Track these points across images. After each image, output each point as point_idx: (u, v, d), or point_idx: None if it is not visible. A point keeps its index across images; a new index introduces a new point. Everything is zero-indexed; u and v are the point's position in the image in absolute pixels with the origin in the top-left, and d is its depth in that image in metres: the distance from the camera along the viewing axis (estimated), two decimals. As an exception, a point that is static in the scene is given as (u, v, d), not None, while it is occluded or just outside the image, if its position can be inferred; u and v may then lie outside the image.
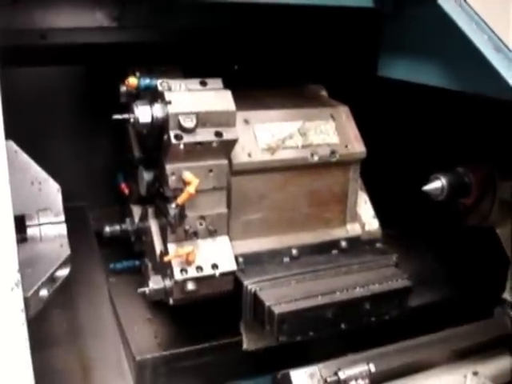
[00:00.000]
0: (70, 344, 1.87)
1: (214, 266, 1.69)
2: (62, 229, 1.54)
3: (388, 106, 1.99)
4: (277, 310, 1.62)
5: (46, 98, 2.34)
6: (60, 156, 2.39)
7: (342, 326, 1.73)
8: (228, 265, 1.71)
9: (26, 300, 1.16)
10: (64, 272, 1.45)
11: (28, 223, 1.50)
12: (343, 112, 1.94)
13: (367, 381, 1.61)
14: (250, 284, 1.72)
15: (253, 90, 1.99)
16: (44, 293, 1.33)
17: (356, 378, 1.60)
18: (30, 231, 1.49)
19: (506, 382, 1.86)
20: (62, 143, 2.41)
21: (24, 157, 1.50)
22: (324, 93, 2.11)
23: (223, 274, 1.70)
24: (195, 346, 1.85)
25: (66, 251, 1.48)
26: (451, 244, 2.27)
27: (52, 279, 1.40)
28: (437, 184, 1.92)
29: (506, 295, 1.95)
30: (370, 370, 1.62)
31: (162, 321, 1.94)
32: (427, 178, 1.96)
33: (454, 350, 1.82)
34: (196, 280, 1.67)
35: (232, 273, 1.72)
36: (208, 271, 1.68)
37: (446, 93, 1.77)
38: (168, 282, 1.70)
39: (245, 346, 1.88)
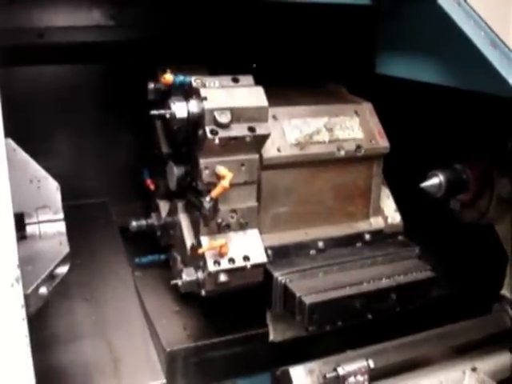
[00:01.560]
0: (100, 337, 1.90)
1: (246, 258, 1.72)
2: (61, 226, 1.54)
3: (386, 103, 2.02)
4: (307, 300, 1.67)
5: (61, 96, 2.38)
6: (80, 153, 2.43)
7: (369, 315, 1.77)
8: (259, 257, 1.75)
9: (26, 297, 1.16)
10: (63, 269, 1.45)
11: (27, 221, 1.49)
12: (367, 108, 1.99)
13: (366, 377, 1.64)
14: (280, 276, 1.76)
15: (278, 88, 2.02)
16: (44, 290, 1.33)
17: (355, 374, 1.63)
18: (29, 229, 1.49)
19: (504, 377, 1.91)
20: (80, 140, 2.44)
21: (23, 155, 1.50)
22: (345, 90, 2.15)
23: (254, 266, 1.74)
24: (224, 337, 1.88)
25: (65, 249, 1.48)
26: (450, 241, 2.29)
27: (51, 276, 1.39)
28: (435, 181, 1.96)
29: (505, 292, 2.00)
30: (368, 366, 1.66)
31: (190, 313, 1.98)
32: (425, 174, 1.99)
33: (453, 347, 1.86)
34: (228, 272, 1.71)
35: (263, 265, 1.76)
36: (240, 263, 1.72)
37: (444, 89, 1.80)
38: (200, 274, 1.74)
39: (271, 337, 1.92)
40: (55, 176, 1.56)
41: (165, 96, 1.84)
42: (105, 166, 2.46)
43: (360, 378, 1.62)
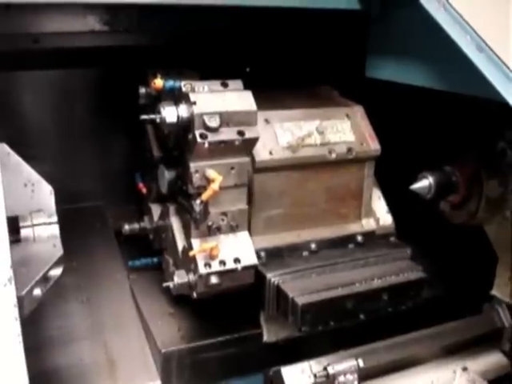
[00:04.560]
0: (96, 339, 1.93)
1: (236, 261, 1.74)
2: (55, 229, 1.54)
3: (377, 106, 2.04)
4: (300, 301, 1.69)
5: (56, 101, 2.41)
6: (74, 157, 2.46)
7: (361, 316, 1.79)
8: (249, 259, 1.76)
9: (20, 299, 1.17)
10: (57, 272, 1.46)
11: (21, 224, 1.50)
12: (358, 111, 2.01)
13: (355, 375, 1.65)
14: (273, 277, 1.78)
15: (270, 91, 2.05)
16: (38, 292, 1.34)
17: (345, 373, 1.64)
18: (23, 232, 1.50)
19: (495, 377, 1.91)
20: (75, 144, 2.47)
21: (17, 159, 1.50)
22: (336, 93, 2.17)
23: (245, 268, 1.76)
24: (218, 338, 1.91)
25: (58, 251, 1.49)
26: (440, 242, 2.30)
27: (45, 279, 1.41)
28: (424, 183, 1.96)
29: (495, 292, 2.00)
30: (358, 365, 1.67)
31: (185, 315, 2.00)
32: (416, 176, 2.00)
33: (444, 346, 1.87)
34: (219, 274, 1.73)
35: (253, 266, 1.78)
36: (231, 265, 1.73)
37: (433, 92, 1.81)
38: (192, 277, 1.76)
39: (265, 338, 1.95)
40: (50, 180, 1.57)
41: (156, 100, 1.86)
42: (100, 170, 2.49)
43: (350, 376, 1.64)
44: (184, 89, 1.71)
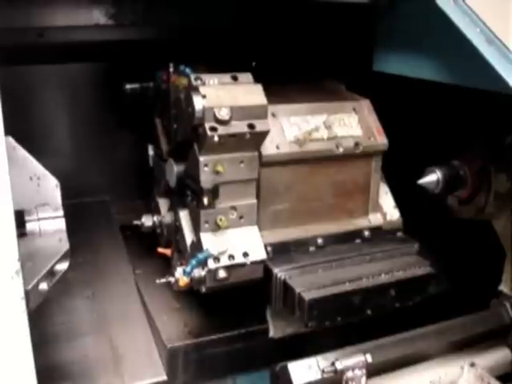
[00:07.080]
0: (101, 334, 1.92)
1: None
2: (61, 223, 1.54)
3: (384, 101, 2.03)
4: (307, 296, 1.67)
5: (62, 95, 2.40)
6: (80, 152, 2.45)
7: (368, 311, 1.77)
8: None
9: (26, 293, 1.17)
10: (63, 266, 1.46)
11: (27, 218, 1.50)
12: (365, 105, 1.99)
13: (364, 371, 1.64)
14: (279, 272, 1.76)
15: (277, 85, 2.03)
16: (44, 286, 1.34)
17: (353, 369, 1.63)
18: (29, 226, 1.49)
19: (502, 373, 1.91)
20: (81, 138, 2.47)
21: (22, 152, 1.50)
22: (343, 87, 2.16)
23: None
24: (224, 334, 1.89)
25: (64, 245, 1.48)
26: (448, 237, 2.30)
27: (51, 273, 1.40)
28: (432, 177, 1.96)
29: (503, 287, 2.00)
30: (366, 361, 1.66)
31: (191, 310, 1.99)
32: (422, 171, 1.99)
33: (451, 342, 1.86)
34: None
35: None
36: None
37: (441, 86, 1.80)
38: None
39: (271, 333, 1.93)
40: (56, 174, 1.57)
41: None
42: (105, 165, 2.48)
43: (358, 372, 1.63)
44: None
